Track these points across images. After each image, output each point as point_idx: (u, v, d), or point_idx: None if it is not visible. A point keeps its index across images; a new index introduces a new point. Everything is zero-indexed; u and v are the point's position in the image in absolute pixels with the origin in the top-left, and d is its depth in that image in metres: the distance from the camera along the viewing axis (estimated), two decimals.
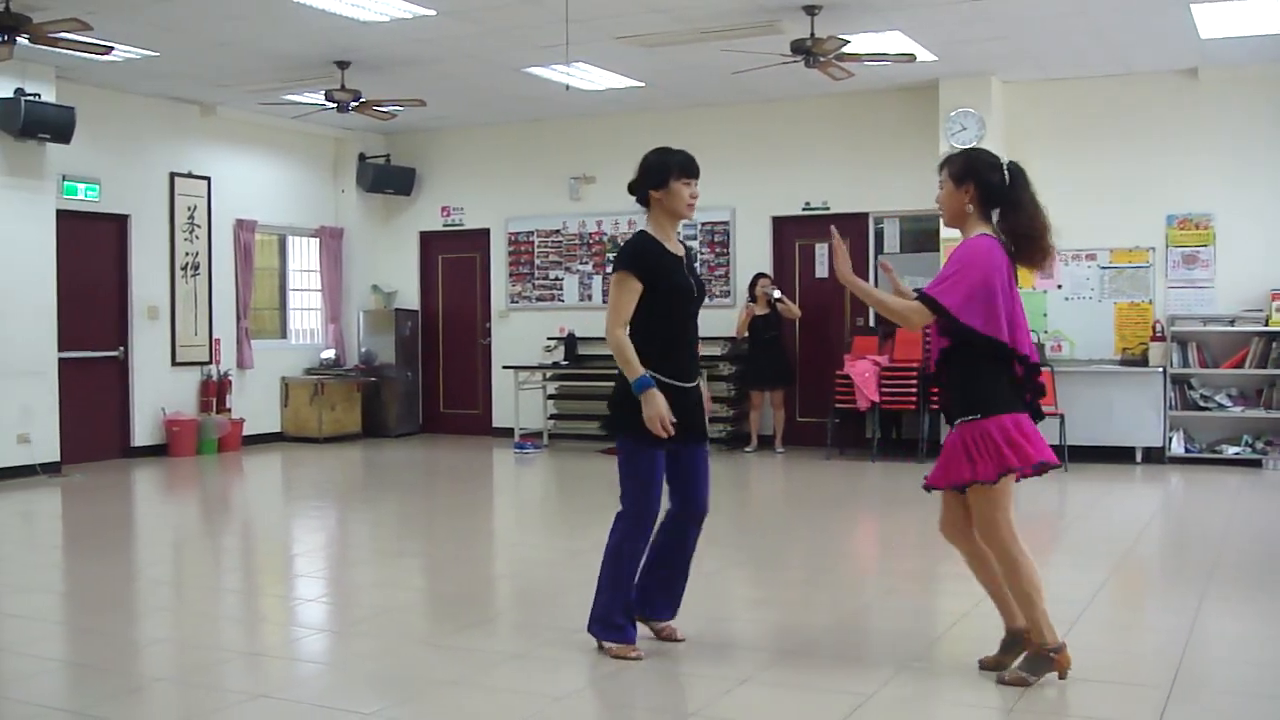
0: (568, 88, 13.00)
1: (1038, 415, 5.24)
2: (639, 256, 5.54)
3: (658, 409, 5.34)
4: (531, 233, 16.19)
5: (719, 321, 14.17)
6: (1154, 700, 4.96)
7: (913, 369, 13.02)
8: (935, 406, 13.07)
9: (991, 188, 5.19)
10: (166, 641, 6.33)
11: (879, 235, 14.32)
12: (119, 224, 13.91)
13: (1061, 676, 5.14)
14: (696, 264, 5.90)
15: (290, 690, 5.39)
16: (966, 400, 5.14)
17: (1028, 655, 5.20)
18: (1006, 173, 5.22)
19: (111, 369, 13.91)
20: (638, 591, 5.75)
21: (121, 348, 13.97)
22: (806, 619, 6.56)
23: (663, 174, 5.60)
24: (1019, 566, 5.16)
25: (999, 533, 5.16)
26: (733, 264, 14.92)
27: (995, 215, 5.24)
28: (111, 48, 11.21)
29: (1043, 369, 5.30)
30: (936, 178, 5.37)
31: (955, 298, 5.03)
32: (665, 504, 5.68)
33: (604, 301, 15.45)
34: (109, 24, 10.68)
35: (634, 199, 5.75)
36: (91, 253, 13.62)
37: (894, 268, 5.53)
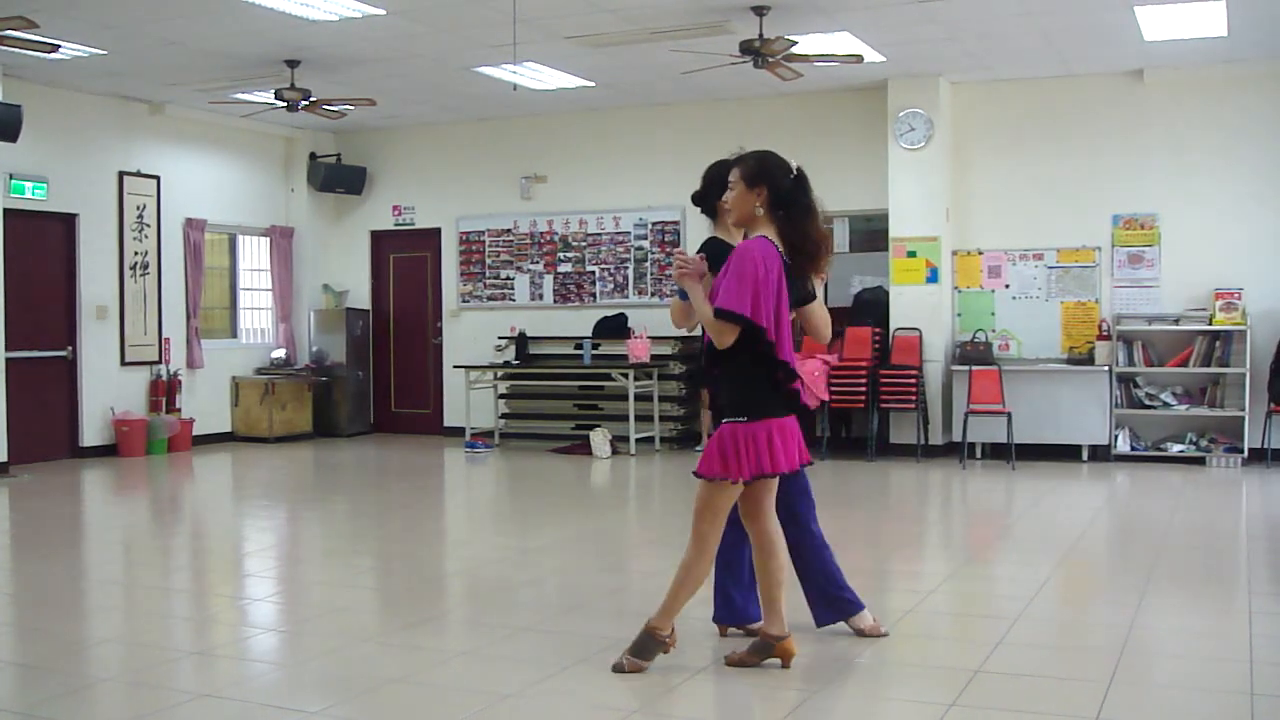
0: (515, 87, 13.01)
1: (802, 412, 5.42)
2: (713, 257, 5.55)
3: (677, 272, 5.42)
4: (482, 232, 16.18)
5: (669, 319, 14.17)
6: (1094, 694, 5.03)
7: (862, 368, 13.10)
8: (883, 404, 13.20)
9: (781, 191, 5.24)
10: (113, 641, 6.31)
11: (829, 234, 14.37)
12: (67, 223, 13.82)
13: (785, 665, 5.38)
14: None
15: (236, 689, 5.39)
16: (736, 404, 5.25)
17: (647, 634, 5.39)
18: (798, 177, 5.27)
19: (60, 369, 13.82)
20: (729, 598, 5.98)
21: (70, 347, 13.87)
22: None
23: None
24: (701, 558, 5.36)
25: (710, 524, 5.33)
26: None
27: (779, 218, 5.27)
28: (58, 45, 11.16)
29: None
30: (728, 178, 5.39)
31: (745, 304, 5.08)
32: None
33: (555, 301, 15.56)
34: (56, 22, 10.62)
35: (699, 209, 5.90)
36: (39, 252, 13.52)
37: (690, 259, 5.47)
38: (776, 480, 5.39)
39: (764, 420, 5.20)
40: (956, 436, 13.15)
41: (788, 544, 5.65)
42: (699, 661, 5.55)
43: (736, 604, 5.91)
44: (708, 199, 5.77)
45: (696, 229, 14.75)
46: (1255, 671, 5.35)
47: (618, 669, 5.34)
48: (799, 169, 5.32)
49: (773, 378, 5.23)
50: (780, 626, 5.35)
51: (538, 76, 13.24)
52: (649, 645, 5.33)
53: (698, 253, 5.56)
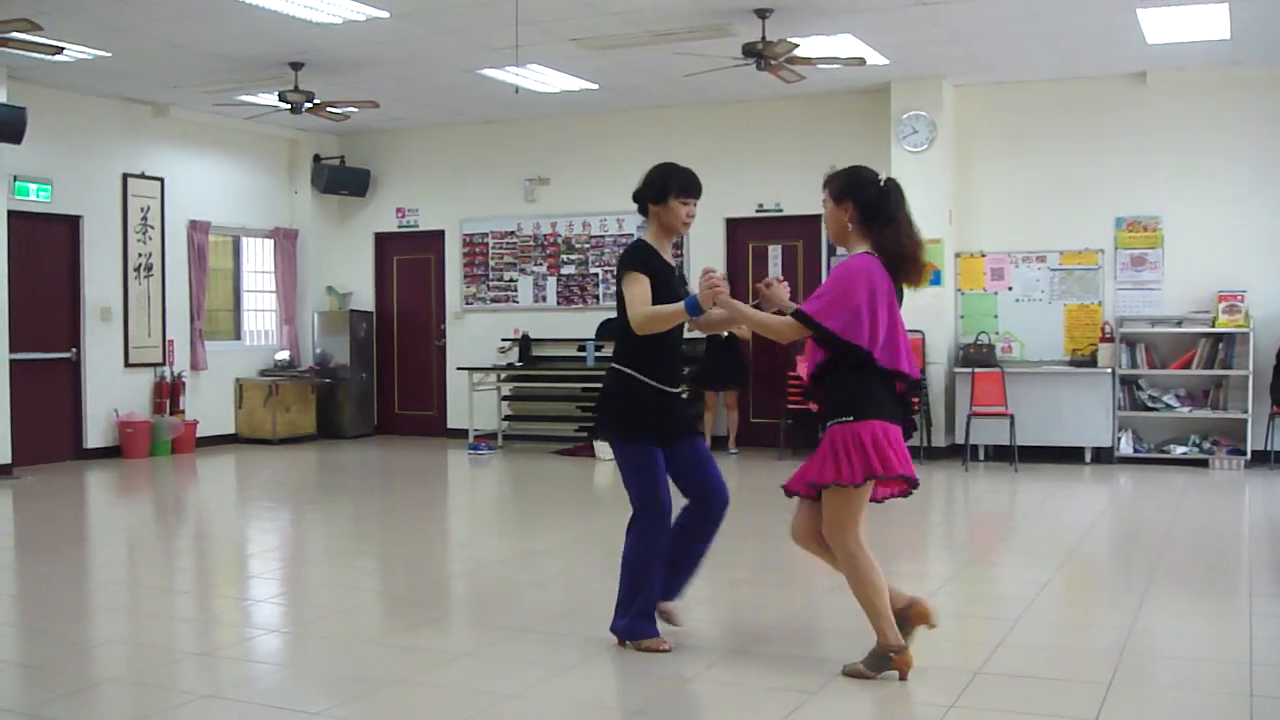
0: (517, 90, 13.01)
1: (910, 429, 5.36)
2: (642, 259, 5.69)
3: (708, 293, 5.41)
4: (486, 234, 16.21)
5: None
6: (1093, 695, 5.04)
7: None
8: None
9: (869, 204, 5.25)
10: (117, 642, 6.33)
11: None
12: (71, 225, 13.85)
13: (903, 677, 5.25)
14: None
15: (239, 690, 5.40)
16: (841, 404, 5.22)
17: (871, 651, 5.30)
18: (883, 189, 5.27)
19: (64, 370, 13.85)
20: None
21: (74, 349, 13.90)
22: (753, 618, 6.63)
23: (663, 191, 5.78)
24: (859, 568, 5.26)
25: (844, 536, 5.26)
26: (687, 266, 14.94)
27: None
28: (62, 48, 11.18)
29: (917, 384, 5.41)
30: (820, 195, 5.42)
31: (835, 318, 5.11)
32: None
33: (558, 303, 15.58)
34: (60, 24, 10.64)
35: (636, 207, 5.91)
36: (43, 254, 13.55)
37: (773, 291, 5.57)
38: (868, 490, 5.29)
39: (868, 421, 5.15)
40: (959, 439, 13.16)
41: (679, 525, 5.75)
42: (698, 665, 5.56)
43: (667, 584, 5.90)
44: (643, 199, 5.81)
45: (700, 231, 14.81)
46: (1255, 673, 5.36)
47: (844, 672, 5.34)
48: (889, 180, 5.33)
49: (892, 387, 5.25)
50: (894, 636, 5.26)
51: (541, 79, 13.26)
52: (880, 661, 5.27)
53: (626, 252, 5.72)
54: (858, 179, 5.32)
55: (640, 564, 5.71)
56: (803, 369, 13.50)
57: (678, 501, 5.79)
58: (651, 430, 5.66)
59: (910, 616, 5.40)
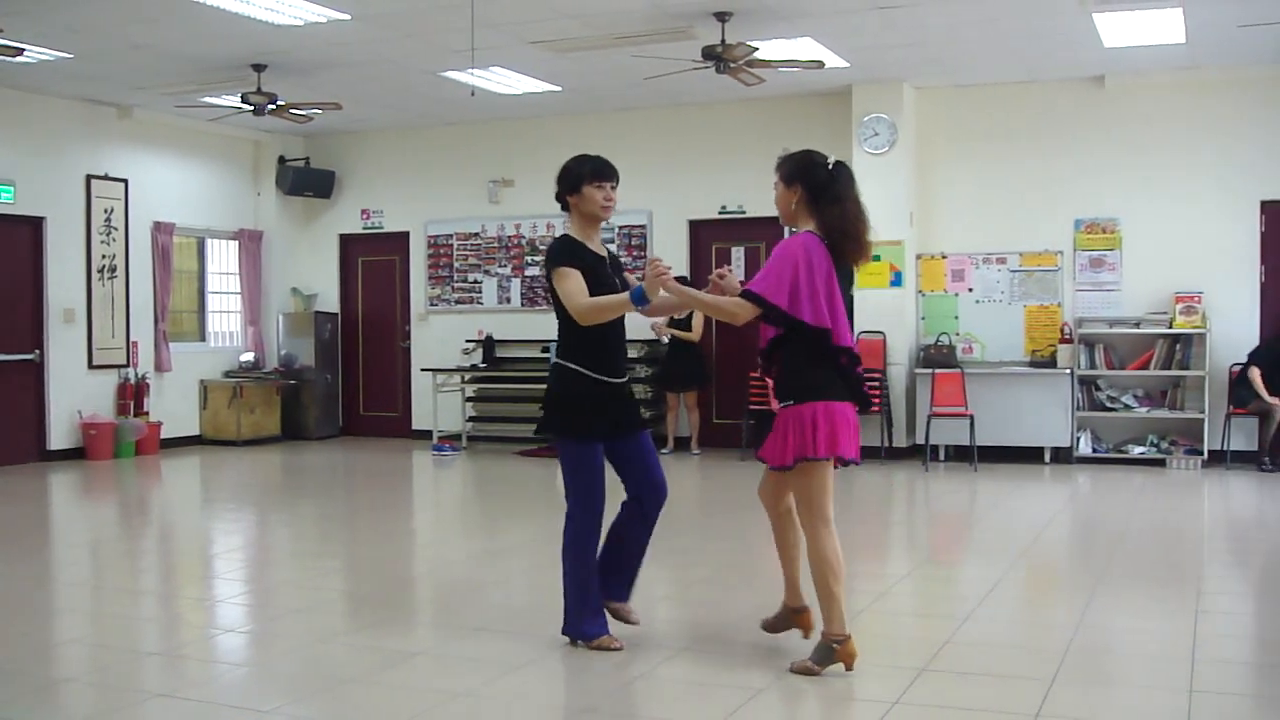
0: (474, 92, 13.03)
1: (865, 403, 5.48)
2: (566, 253, 5.71)
3: (654, 281, 5.45)
4: (450, 236, 16.25)
5: (635, 323, 14.25)
6: (1036, 691, 5.12)
7: None
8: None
9: (819, 186, 5.39)
10: (78, 642, 6.36)
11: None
12: (34, 226, 13.82)
13: (848, 668, 5.35)
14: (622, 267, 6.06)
15: (193, 690, 5.44)
16: (787, 388, 5.36)
17: (817, 645, 5.41)
18: (831, 170, 5.41)
19: (27, 372, 13.83)
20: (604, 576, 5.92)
21: (37, 350, 13.88)
22: (709, 617, 6.68)
23: (575, 180, 5.81)
24: (823, 549, 5.35)
25: (812, 515, 5.37)
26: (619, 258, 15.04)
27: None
28: (23, 49, 11.16)
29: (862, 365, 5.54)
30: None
31: (782, 295, 5.24)
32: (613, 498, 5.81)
33: (522, 305, 15.62)
34: (21, 25, 10.65)
35: (559, 206, 5.95)
36: (6, 255, 13.54)
37: (726, 281, 5.61)
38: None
39: (809, 403, 5.29)
40: (920, 439, 13.27)
41: (619, 522, 5.85)
42: (649, 662, 5.62)
43: (610, 585, 5.94)
44: (560, 195, 5.88)
45: (663, 233, 14.94)
46: (1196, 670, 5.45)
47: (791, 670, 5.43)
48: (837, 162, 5.47)
49: (836, 363, 5.36)
50: (840, 625, 5.34)
51: (504, 81, 13.31)
52: (826, 653, 5.36)
53: (550, 249, 5.79)
54: (808, 162, 5.46)
55: (578, 565, 5.75)
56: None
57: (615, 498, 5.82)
58: (598, 424, 5.68)
59: (796, 619, 5.68)
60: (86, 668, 5.88)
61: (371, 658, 5.84)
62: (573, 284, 5.62)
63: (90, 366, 14.38)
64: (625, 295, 5.57)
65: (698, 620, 6.62)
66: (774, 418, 5.43)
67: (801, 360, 5.34)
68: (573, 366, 5.72)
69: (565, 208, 5.91)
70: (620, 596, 5.97)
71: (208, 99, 13.62)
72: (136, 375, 14.80)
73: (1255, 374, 12.28)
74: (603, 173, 5.82)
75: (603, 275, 5.75)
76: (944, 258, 13.85)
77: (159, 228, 15.18)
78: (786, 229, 5.72)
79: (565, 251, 5.73)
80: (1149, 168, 13.12)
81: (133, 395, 14.67)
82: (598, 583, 5.82)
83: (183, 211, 15.57)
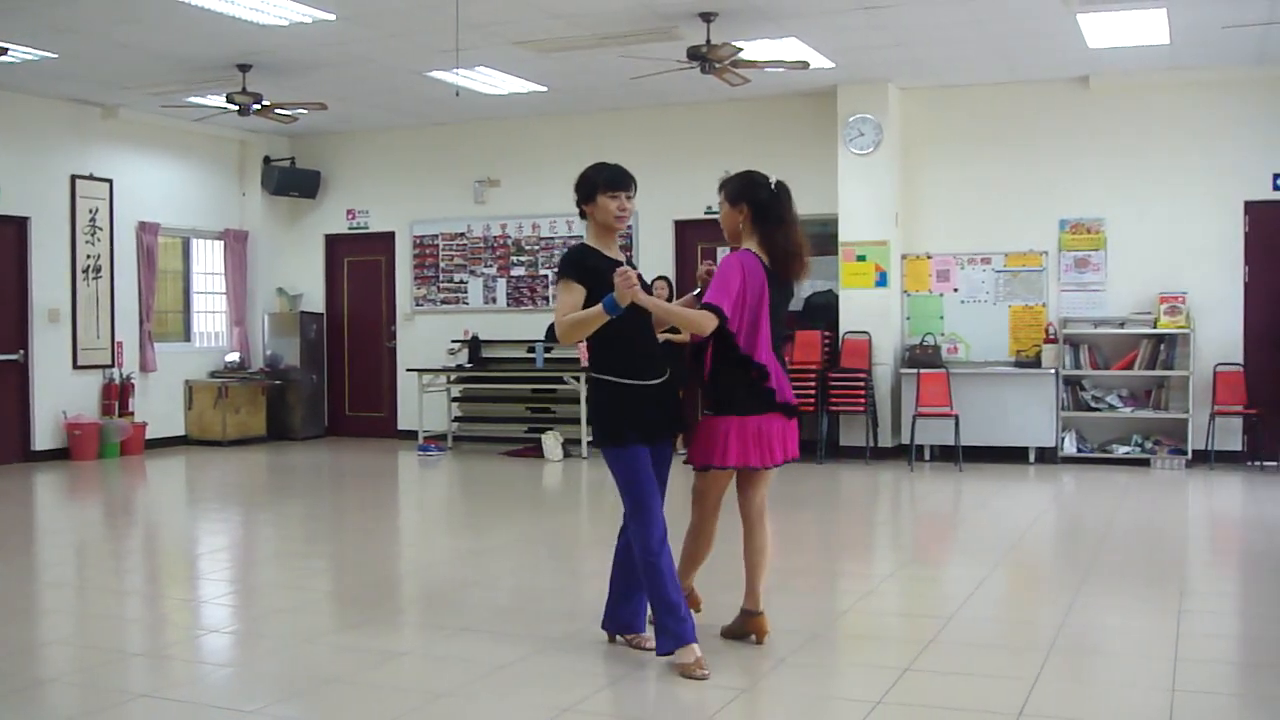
0: (458, 92, 13.03)
1: (789, 411, 5.77)
2: (576, 264, 5.67)
3: (625, 290, 5.38)
4: (436, 236, 16.24)
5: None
6: (1019, 691, 5.13)
7: (811, 371, 13.20)
8: (832, 407, 13.31)
9: (762, 206, 5.64)
10: (62, 643, 6.35)
11: None
12: (18, 226, 13.79)
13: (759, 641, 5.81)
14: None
15: (177, 690, 5.44)
16: (709, 397, 5.74)
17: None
18: (775, 192, 5.66)
19: (11, 372, 13.79)
20: (606, 611, 5.94)
21: (21, 351, 13.84)
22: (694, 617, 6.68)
23: (590, 189, 5.76)
24: (697, 537, 5.93)
25: (705, 507, 5.88)
26: (637, 267, 15.01)
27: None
28: (7, 49, 11.15)
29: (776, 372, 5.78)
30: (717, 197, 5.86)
31: (727, 306, 5.49)
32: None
33: (508, 305, 15.63)
34: (5, 25, 10.64)
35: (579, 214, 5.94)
36: None
37: (712, 272, 5.77)
38: (730, 475, 5.81)
39: (726, 417, 5.63)
40: (905, 439, 13.29)
41: (623, 546, 5.86)
42: (631, 664, 5.63)
43: (622, 616, 5.89)
44: (578, 203, 5.85)
45: (649, 233, 14.95)
46: (1179, 669, 5.47)
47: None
48: (778, 183, 5.69)
49: (748, 377, 5.60)
50: (753, 602, 5.85)
51: (490, 81, 13.30)
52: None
53: (564, 256, 5.80)
54: (751, 183, 5.72)
55: (657, 569, 5.47)
56: None
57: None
58: (638, 428, 5.56)
59: (749, 623, 5.92)
60: (71, 668, 5.86)
61: (356, 658, 5.83)
62: (564, 300, 5.58)
63: (75, 367, 14.35)
64: (599, 307, 5.48)
65: None
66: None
67: (720, 368, 5.66)
68: (603, 377, 5.65)
69: (582, 216, 5.89)
70: (638, 627, 5.87)
71: (193, 99, 13.60)
72: (121, 375, 14.77)
73: None
74: (617, 182, 5.74)
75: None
76: (929, 258, 13.87)
77: (144, 228, 15.14)
78: (728, 247, 5.86)
79: (573, 261, 5.69)
80: (1133, 168, 13.16)
81: (118, 395, 14.64)
82: (676, 585, 5.53)
83: (168, 211, 15.54)
